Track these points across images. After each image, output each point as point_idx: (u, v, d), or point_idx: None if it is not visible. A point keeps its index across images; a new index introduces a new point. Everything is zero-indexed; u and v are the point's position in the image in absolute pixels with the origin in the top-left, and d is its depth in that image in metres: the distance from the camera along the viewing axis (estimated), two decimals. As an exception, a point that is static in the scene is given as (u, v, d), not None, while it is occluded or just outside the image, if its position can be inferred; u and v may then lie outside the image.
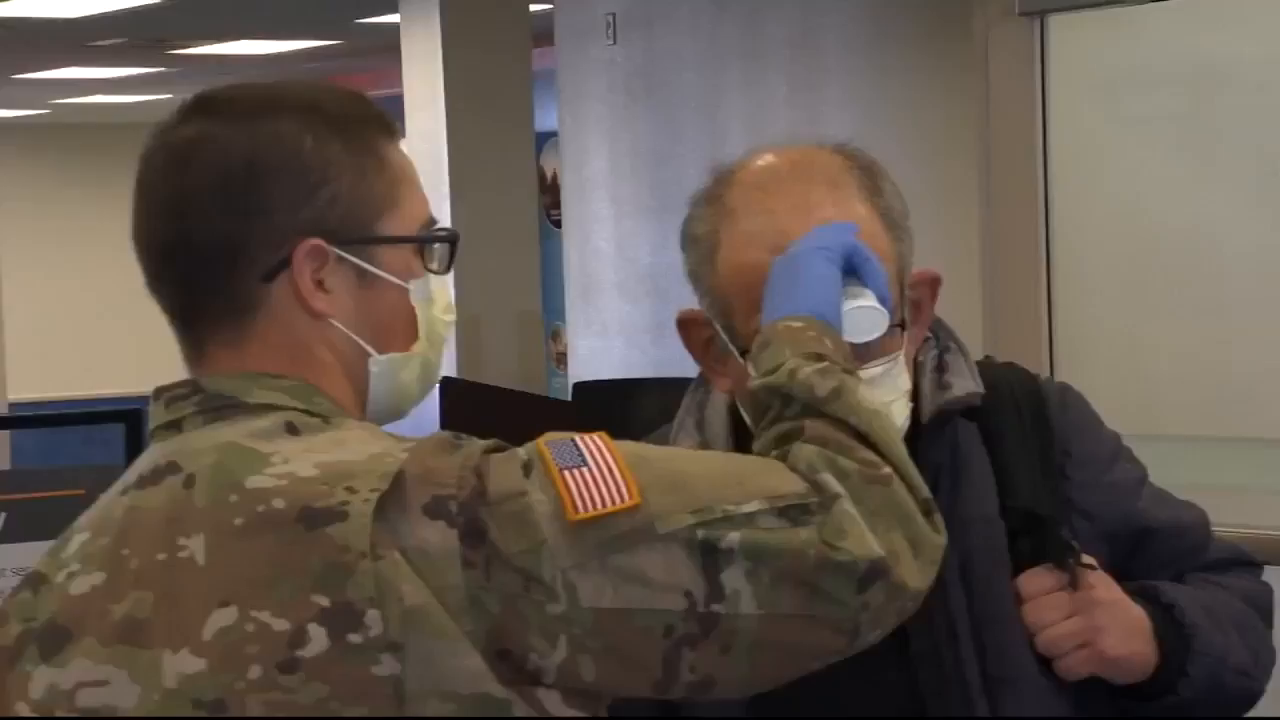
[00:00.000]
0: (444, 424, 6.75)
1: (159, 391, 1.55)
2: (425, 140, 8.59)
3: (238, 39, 10.40)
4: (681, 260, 1.86)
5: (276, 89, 1.58)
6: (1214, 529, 1.98)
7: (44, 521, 3.02)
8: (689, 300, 8.14)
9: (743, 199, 1.78)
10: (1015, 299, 5.21)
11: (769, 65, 7.81)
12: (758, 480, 1.46)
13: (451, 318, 1.63)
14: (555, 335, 10.30)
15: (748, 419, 1.75)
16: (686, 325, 1.86)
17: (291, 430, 1.49)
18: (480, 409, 6.96)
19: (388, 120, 1.61)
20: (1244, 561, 1.97)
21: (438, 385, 6.94)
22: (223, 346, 1.55)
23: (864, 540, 1.44)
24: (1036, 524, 1.80)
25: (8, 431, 4.05)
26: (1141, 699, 1.82)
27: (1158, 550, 1.90)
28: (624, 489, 1.43)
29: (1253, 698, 1.89)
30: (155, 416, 1.54)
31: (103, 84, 12.72)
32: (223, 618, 1.42)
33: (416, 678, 1.38)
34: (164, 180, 1.55)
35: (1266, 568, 1.99)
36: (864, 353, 1.72)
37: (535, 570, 1.41)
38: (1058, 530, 1.81)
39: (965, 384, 1.82)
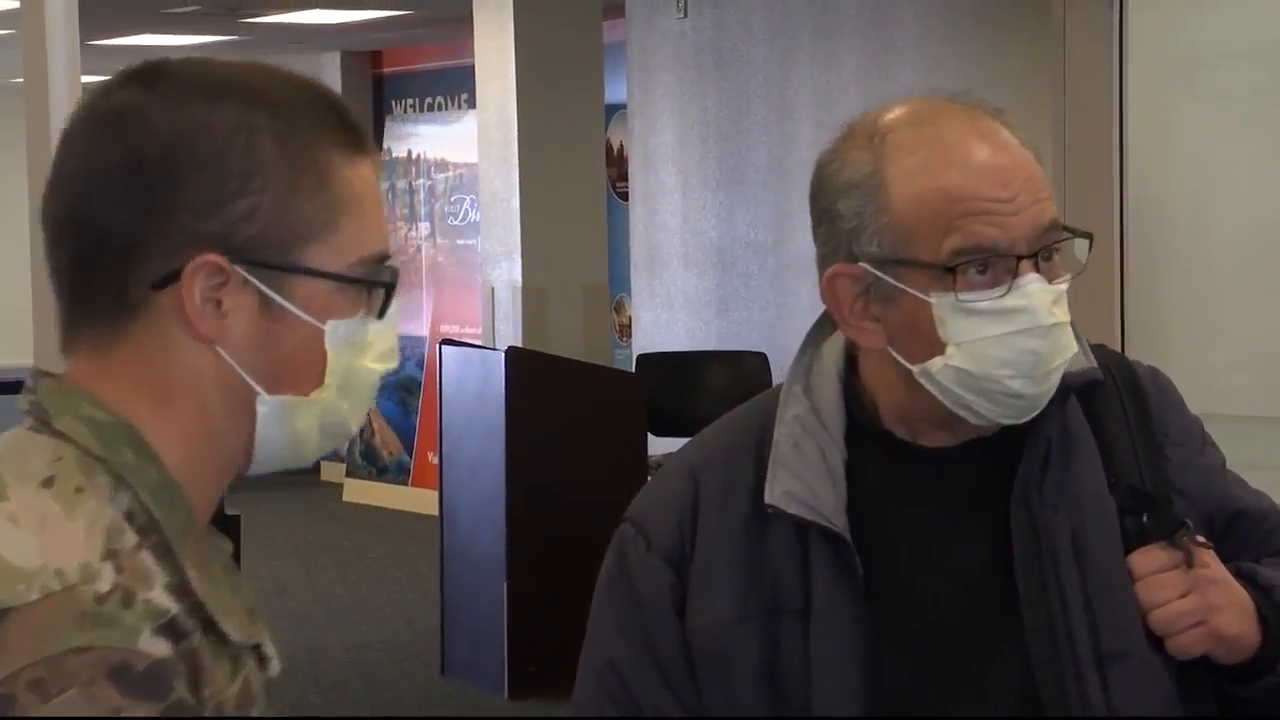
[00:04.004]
0: (508, 394, 6.74)
1: (32, 373, 1.41)
2: (495, 111, 8.58)
3: (310, 8, 10.42)
4: (806, 231, 1.82)
5: (230, 71, 1.38)
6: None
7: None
8: (754, 274, 8.14)
9: (905, 137, 1.75)
10: (1088, 278, 5.15)
11: (840, 41, 7.76)
12: None
13: (386, 366, 1.42)
14: (618, 307, 10.29)
15: (911, 363, 1.74)
16: (835, 279, 1.79)
17: (46, 484, 1.31)
18: (544, 379, 6.95)
19: (354, 130, 1.40)
20: None
21: (502, 363, 6.75)
22: (90, 347, 1.37)
23: None
24: (1146, 502, 1.80)
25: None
26: (1241, 679, 1.81)
27: (1244, 534, 1.89)
28: None
29: None
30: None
31: (176, 51, 12.73)
32: None
33: None
34: (77, 149, 1.37)
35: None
36: (1056, 268, 1.73)
37: None
38: (1170, 508, 1.81)
39: (1079, 359, 1.80)
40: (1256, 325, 4.95)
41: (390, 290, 1.40)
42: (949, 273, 1.71)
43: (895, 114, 1.79)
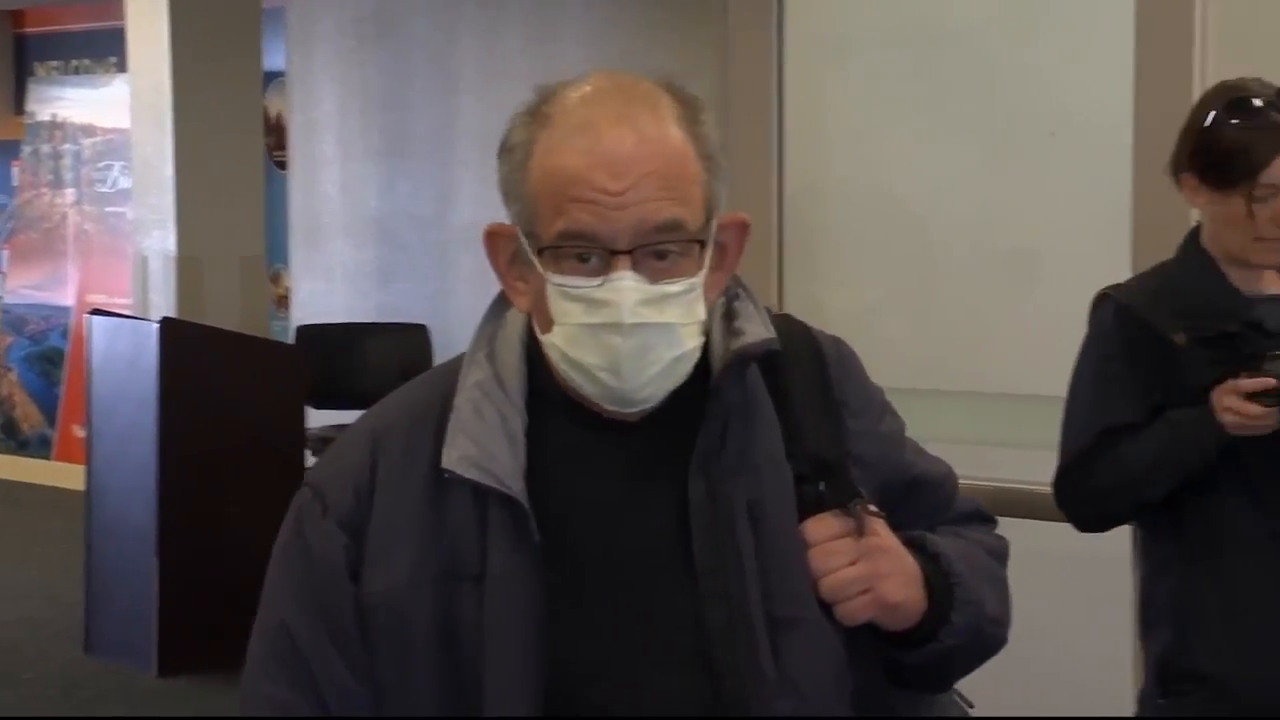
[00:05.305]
0: (162, 365, 6.59)
1: None
2: (148, 76, 8.35)
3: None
4: (498, 174, 1.81)
5: None
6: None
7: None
8: (415, 246, 8.03)
9: (562, 109, 1.77)
10: (747, 260, 5.23)
11: (505, 12, 7.75)
12: None
13: None
14: (275, 278, 10.14)
15: (539, 332, 1.76)
16: (493, 237, 1.82)
17: None
18: (200, 350, 6.81)
19: None
20: (984, 516, 2.03)
21: (155, 333, 6.62)
22: None
23: None
24: (823, 470, 1.83)
25: None
26: (905, 645, 1.85)
27: (920, 501, 1.94)
28: None
29: (999, 646, 1.94)
30: None
31: None
32: None
33: None
34: None
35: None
36: (669, 269, 1.73)
37: None
38: (846, 476, 1.84)
39: (758, 330, 1.83)
40: (909, 302, 5.09)
41: None
42: (553, 253, 1.73)
43: (569, 88, 1.79)
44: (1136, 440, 2.97)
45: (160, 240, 8.31)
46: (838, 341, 1.95)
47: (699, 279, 1.76)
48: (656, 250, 1.72)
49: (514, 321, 1.84)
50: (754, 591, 1.78)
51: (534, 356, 1.82)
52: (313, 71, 8.50)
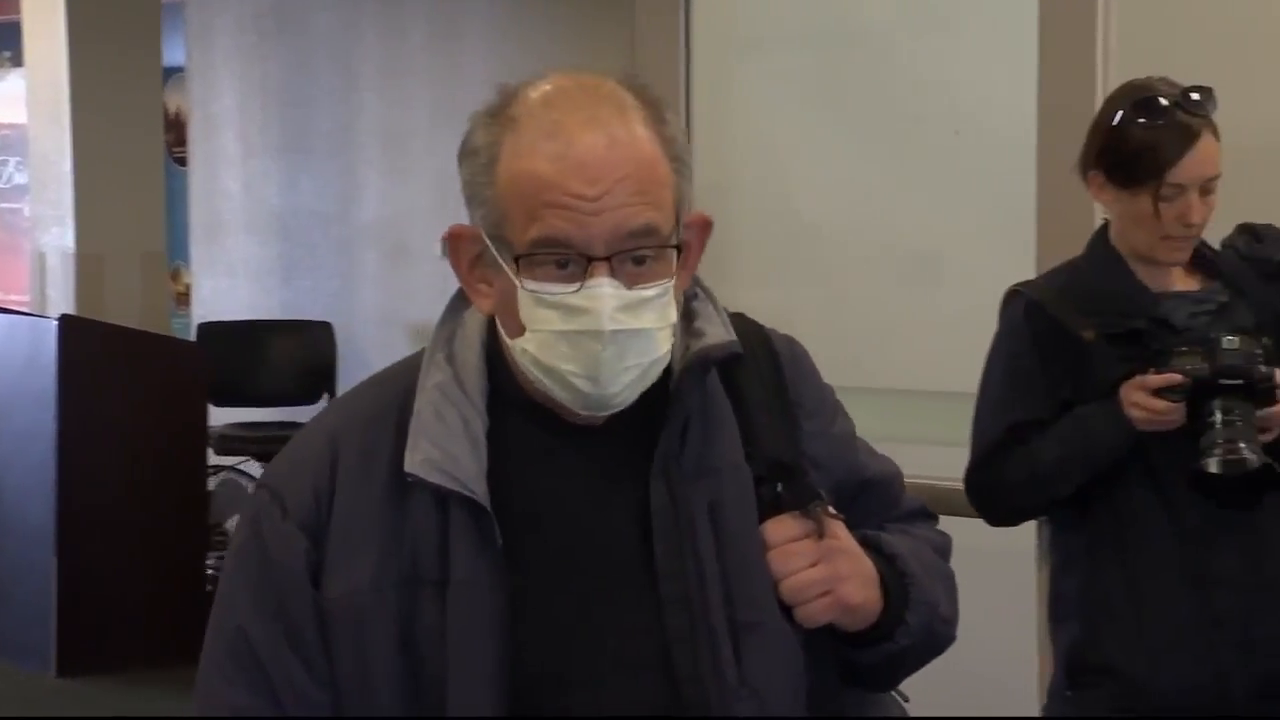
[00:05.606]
0: (61, 363, 6.52)
1: None
2: (45, 71, 8.25)
3: None
4: (459, 174, 1.79)
5: None
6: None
7: None
8: (319, 242, 7.94)
9: (527, 111, 1.74)
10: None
11: (407, 9, 7.71)
12: None
13: None
14: (175, 275, 10.04)
15: (506, 336, 1.75)
16: (455, 239, 1.79)
17: None
18: (100, 348, 6.73)
19: None
20: (927, 513, 2.04)
21: (54, 331, 6.56)
22: None
23: None
24: (782, 472, 1.82)
25: None
26: (861, 645, 1.85)
27: (870, 501, 1.95)
28: None
29: (948, 644, 1.95)
30: None
31: None
32: None
33: None
34: None
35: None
36: (644, 274, 1.72)
37: None
38: (805, 478, 1.84)
39: (719, 332, 1.82)
40: (818, 301, 5.11)
41: None
42: (527, 260, 1.71)
43: (535, 88, 1.77)
44: (1046, 436, 2.99)
45: (58, 237, 8.22)
46: (791, 341, 1.95)
47: (672, 282, 1.75)
48: (633, 256, 1.71)
49: (472, 322, 1.83)
50: (715, 596, 1.77)
51: (494, 357, 1.80)
52: (213, 67, 8.43)
